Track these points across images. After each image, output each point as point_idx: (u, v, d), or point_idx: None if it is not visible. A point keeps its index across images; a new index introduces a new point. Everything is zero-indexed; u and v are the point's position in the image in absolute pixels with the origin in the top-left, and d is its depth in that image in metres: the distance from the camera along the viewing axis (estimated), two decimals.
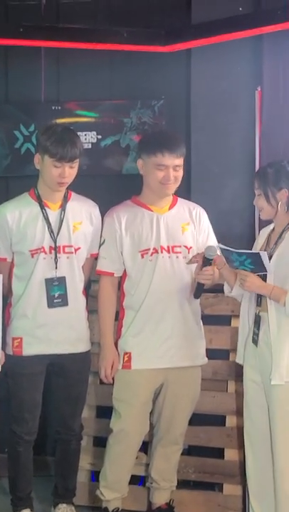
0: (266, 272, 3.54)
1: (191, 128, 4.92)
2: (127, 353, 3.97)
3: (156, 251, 3.91)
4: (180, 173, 3.90)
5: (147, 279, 3.90)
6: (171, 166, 3.84)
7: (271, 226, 3.79)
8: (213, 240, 4.06)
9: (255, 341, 3.73)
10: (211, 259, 3.70)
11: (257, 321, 3.72)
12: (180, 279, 3.94)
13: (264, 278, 3.59)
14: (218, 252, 3.69)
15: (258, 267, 3.54)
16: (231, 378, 4.56)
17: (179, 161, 3.86)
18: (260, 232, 3.86)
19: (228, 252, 3.57)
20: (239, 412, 4.32)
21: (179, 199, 4.06)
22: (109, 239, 4.01)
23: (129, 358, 3.94)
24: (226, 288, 3.86)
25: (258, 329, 3.69)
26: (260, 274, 3.57)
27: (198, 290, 3.87)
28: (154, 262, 3.90)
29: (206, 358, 4.13)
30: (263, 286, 3.57)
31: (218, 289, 4.10)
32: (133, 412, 4.00)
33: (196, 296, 3.89)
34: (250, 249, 3.76)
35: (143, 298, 3.90)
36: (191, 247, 3.99)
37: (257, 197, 3.68)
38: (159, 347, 3.96)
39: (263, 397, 3.77)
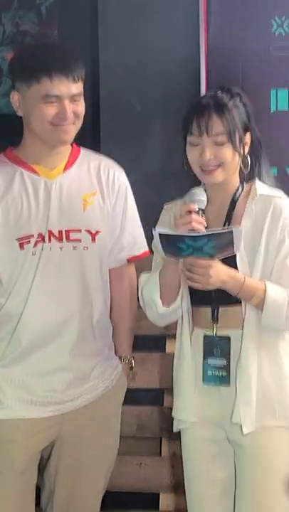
0: (234, 253, 3.16)
1: (99, 40, 4.42)
2: None
3: (42, 239, 3.39)
4: (81, 108, 3.36)
5: (26, 284, 3.37)
6: (67, 95, 3.30)
7: (178, 202, 3.32)
8: (132, 222, 3.56)
9: (216, 379, 3.18)
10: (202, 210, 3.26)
11: (212, 347, 3.20)
12: (79, 282, 3.41)
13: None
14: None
15: (221, 251, 3.14)
16: (167, 435, 4.08)
17: (77, 88, 3.33)
18: (163, 210, 3.38)
19: (176, 238, 3.11)
20: (179, 489, 3.89)
21: (83, 151, 3.51)
22: None
23: None
24: (156, 301, 3.24)
25: (225, 359, 3.16)
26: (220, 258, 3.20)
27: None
28: (37, 257, 3.37)
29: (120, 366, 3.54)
30: (232, 278, 3.18)
31: None
32: (4, 486, 3.36)
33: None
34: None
35: (20, 311, 3.36)
36: (98, 232, 3.43)
37: (213, 147, 3.18)
38: (44, 382, 3.38)
39: (221, 466, 3.17)
